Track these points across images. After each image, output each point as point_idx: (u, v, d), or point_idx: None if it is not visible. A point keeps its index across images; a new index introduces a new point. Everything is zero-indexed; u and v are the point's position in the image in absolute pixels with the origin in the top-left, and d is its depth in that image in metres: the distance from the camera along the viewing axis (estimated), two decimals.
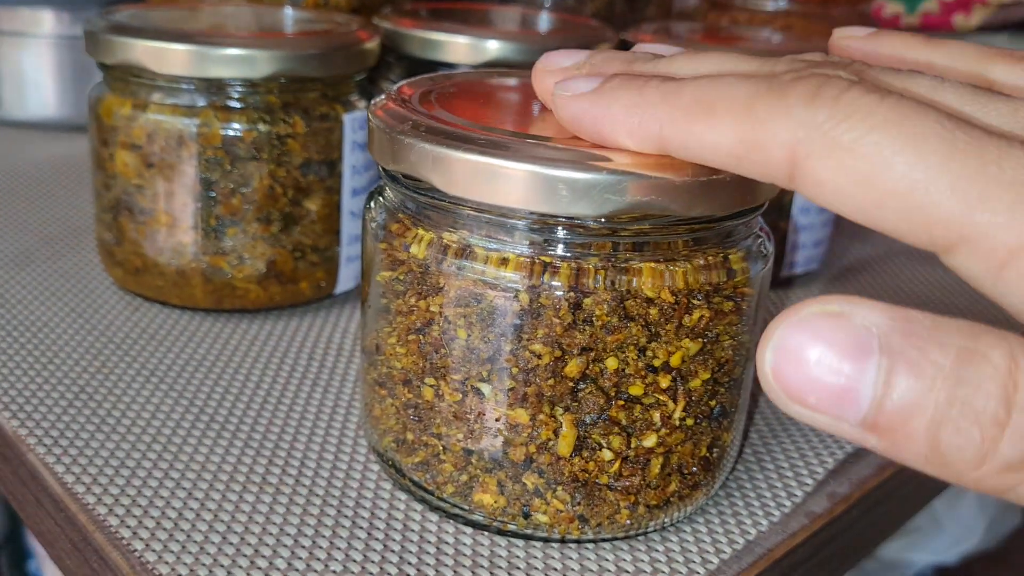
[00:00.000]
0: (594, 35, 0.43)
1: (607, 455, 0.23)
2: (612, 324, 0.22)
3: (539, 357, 0.23)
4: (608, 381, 0.23)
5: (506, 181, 0.22)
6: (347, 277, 0.38)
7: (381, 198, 0.26)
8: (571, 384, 0.23)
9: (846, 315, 0.15)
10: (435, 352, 0.24)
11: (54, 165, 0.54)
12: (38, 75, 0.59)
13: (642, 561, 0.25)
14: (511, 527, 0.25)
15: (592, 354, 0.23)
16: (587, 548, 0.25)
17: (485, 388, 0.23)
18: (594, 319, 0.22)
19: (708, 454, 0.25)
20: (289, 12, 0.43)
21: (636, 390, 0.23)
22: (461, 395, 0.24)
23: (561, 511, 0.24)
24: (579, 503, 0.24)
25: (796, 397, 0.16)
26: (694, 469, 0.25)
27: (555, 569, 0.25)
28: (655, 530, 0.26)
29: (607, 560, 0.25)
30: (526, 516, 0.24)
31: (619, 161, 0.21)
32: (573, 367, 0.23)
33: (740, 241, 0.25)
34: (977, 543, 0.78)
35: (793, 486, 0.29)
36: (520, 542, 0.25)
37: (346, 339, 0.36)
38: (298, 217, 0.36)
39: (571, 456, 0.23)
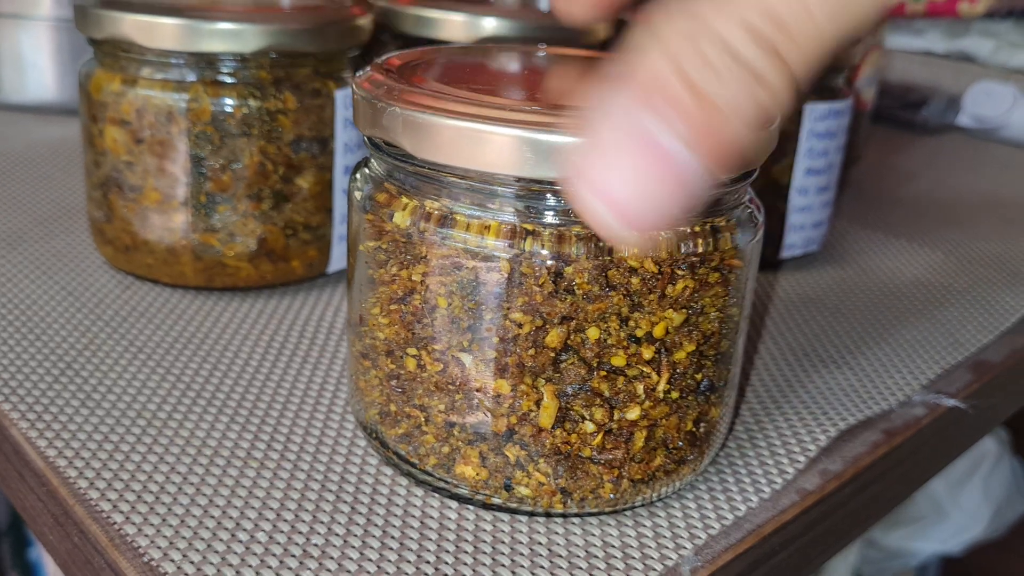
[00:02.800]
0: None
1: (589, 427, 0.23)
2: (593, 293, 0.22)
3: (520, 326, 0.22)
4: (590, 351, 0.23)
5: (485, 145, 0.21)
6: (339, 256, 0.38)
7: (366, 169, 0.26)
8: (552, 354, 0.23)
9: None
10: (417, 322, 0.24)
11: (50, 147, 0.53)
12: (37, 58, 0.59)
13: (629, 536, 0.25)
14: (494, 500, 0.24)
15: (573, 323, 0.22)
16: (573, 523, 0.25)
17: (466, 358, 0.23)
18: (575, 288, 0.22)
19: (695, 429, 0.25)
20: None
21: (618, 361, 0.23)
22: (442, 365, 0.23)
23: (543, 484, 0.24)
24: (561, 476, 0.24)
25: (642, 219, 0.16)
26: (680, 444, 0.25)
27: (540, 543, 0.24)
28: (643, 505, 0.26)
29: (593, 535, 0.25)
30: (508, 489, 0.24)
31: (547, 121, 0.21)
32: (554, 337, 0.22)
33: (729, 210, 0.24)
34: (982, 532, 0.77)
35: (785, 463, 0.28)
36: (505, 516, 0.25)
37: (338, 318, 0.36)
38: (289, 195, 0.36)
39: (553, 428, 0.23)
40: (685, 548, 0.24)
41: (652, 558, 0.24)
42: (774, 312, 0.39)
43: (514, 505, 0.24)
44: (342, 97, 0.36)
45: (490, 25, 0.39)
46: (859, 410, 0.32)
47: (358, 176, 0.26)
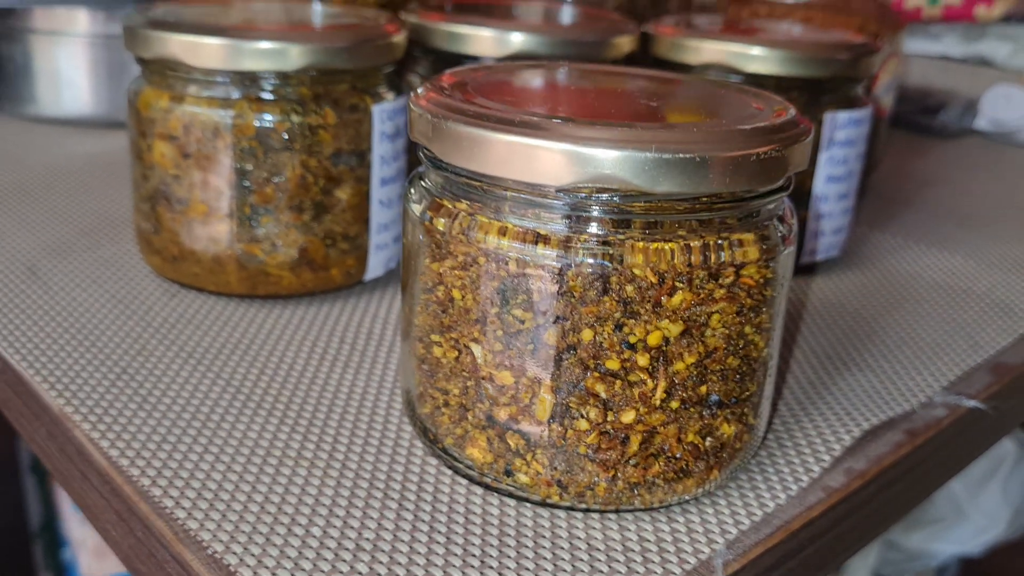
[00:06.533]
0: (615, 28, 0.44)
1: (583, 424, 0.25)
2: (589, 297, 0.24)
3: (522, 323, 0.24)
4: (585, 352, 0.24)
5: (494, 152, 0.23)
6: (377, 264, 0.39)
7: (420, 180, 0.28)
8: (552, 351, 0.24)
9: None
10: (442, 312, 0.26)
11: (90, 160, 0.55)
12: (73, 73, 0.61)
13: (663, 531, 0.26)
14: (498, 484, 0.26)
15: (568, 324, 0.24)
16: (609, 518, 0.26)
17: (476, 348, 0.25)
18: (573, 290, 0.24)
19: (699, 442, 0.26)
20: (318, 7, 0.44)
21: (612, 364, 0.24)
22: (457, 352, 0.26)
23: (540, 474, 0.25)
24: (556, 468, 0.25)
25: None
26: (678, 455, 0.26)
27: (579, 537, 0.25)
28: (677, 503, 0.27)
29: (629, 529, 0.26)
30: (508, 474, 0.26)
31: (590, 135, 0.23)
32: (550, 335, 0.24)
33: (754, 226, 0.25)
34: (1001, 533, 0.78)
35: (811, 462, 0.30)
36: (553, 512, 0.26)
37: (375, 324, 0.37)
38: (329, 206, 0.37)
39: (549, 421, 0.25)
40: (717, 543, 0.26)
41: (686, 552, 0.25)
42: (796, 316, 0.40)
43: (514, 490, 0.26)
44: (379, 112, 0.37)
45: (518, 40, 0.41)
46: (882, 411, 0.33)
47: (412, 190, 0.28)
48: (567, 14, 0.49)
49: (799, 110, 0.41)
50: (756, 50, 0.41)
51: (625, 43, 0.43)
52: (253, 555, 0.24)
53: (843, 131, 0.42)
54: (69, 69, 0.61)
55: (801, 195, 0.43)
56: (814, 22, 0.55)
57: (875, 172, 0.61)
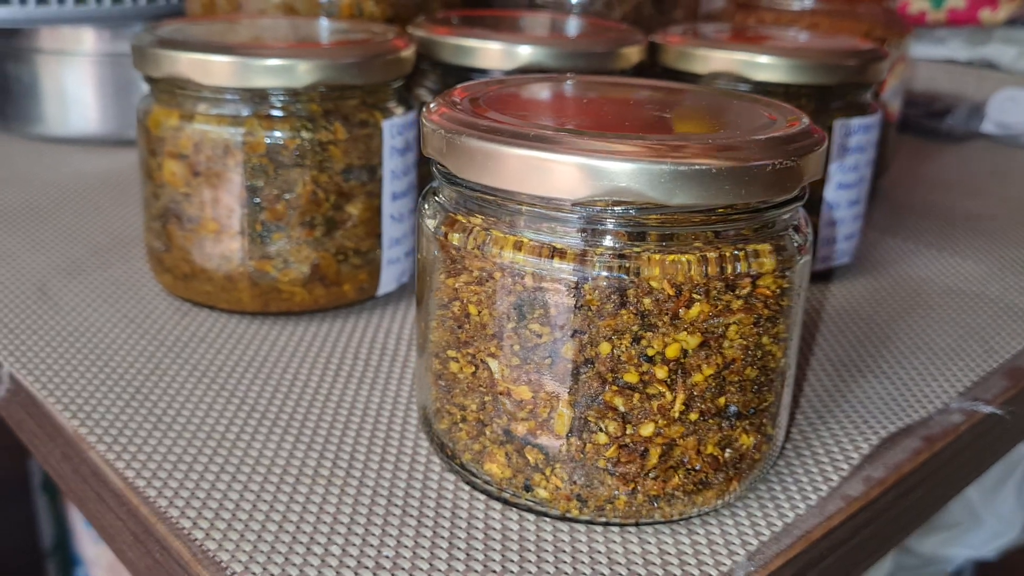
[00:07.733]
0: (623, 39, 0.44)
1: (602, 438, 0.25)
2: (606, 310, 0.24)
3: (539, 337, 0.24)
4: (603, 366, 0.24)
5: (509, 167, 0.23)
6: (389, 279, 0.39)
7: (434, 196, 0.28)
8: (570, 365, 0.24)
9: None
10: (458, 327, 0.26)
11: (98, 178, 0.55)
12: (80, 92, 0.61)
13: (684, 544, 0.26)
14: (517, 499, 0.26)
15: (585, 337, 0.24)
16: (629, 531, 0.26)
17: (493, 364, 0.25)
18: (590, 304, 0.24)
19: (718, 453, 0.26)
20: (325, 23, 0.44)
21: (631, 377, 0.24)
22: (474, 368, 0.26)
23: (559, 488, 0.25)
24: (575, 483, 0.25)
25: None
26: (697, 467, 0.26)
27: (599, 552, 0.25)
28: (697, 515, 0.27)
29: (650, 543, 0.26)
30: (527, 489, 0.26)
31: (605, 148, 0.23)
32: (568, 349, 0.24)
33: (770, 236, 0.25)
34: (1016, 537, 0.77)
35: (829, 471, 0.29)
36: (577, 527, 0.26)
37: (389, 339, 0.37)
38: (340, 221, 0.37)
39: (568, 435, 0.25)
40: (738, 554, 0.26)
41: (707, 564, 0.25)
42: (810, 324, 0.40)
43: (533, 504, 0.26)
44: (389, 126, 0.37)
45: (526, 52, 0.41)
46: (899, 418, 0.33)
47: (426, 204, 0.28)
48: (573, 25, 0.49)
49: (808, 118, 0.42)
50: (764, 58, 0.41)
51: (633, 53, 0.43)
52: (272, 575, 0.24)
53: (854, 137, 0.42)
54: (76, 88, 0.61)
55: (813, 202, 0.43)
56: (820, 28, 0.54)
57: (884, 177, 0.61)
